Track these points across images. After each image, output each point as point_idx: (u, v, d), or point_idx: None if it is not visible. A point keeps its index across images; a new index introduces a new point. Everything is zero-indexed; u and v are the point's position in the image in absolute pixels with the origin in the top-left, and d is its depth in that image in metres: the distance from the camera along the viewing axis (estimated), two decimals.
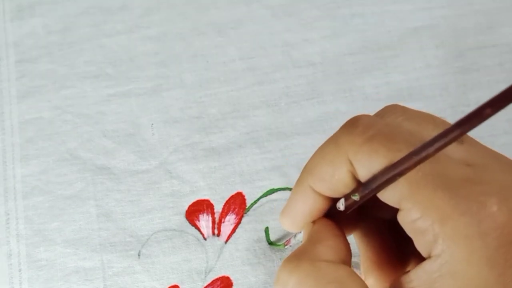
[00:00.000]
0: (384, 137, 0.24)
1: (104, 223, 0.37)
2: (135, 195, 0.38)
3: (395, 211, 0.24)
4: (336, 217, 0.27)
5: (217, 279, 0.36)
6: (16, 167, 0.39)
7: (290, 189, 0.37)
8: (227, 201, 0.37)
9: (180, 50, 0.41)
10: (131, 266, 0.36)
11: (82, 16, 0.42)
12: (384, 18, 0.41)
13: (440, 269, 0.22)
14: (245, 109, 0.39)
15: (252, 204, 0.37)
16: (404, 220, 0.23)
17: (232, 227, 0.37)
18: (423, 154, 0.21)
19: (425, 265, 0.23)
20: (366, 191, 0.24)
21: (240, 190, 0.37)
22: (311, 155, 0.37)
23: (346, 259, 0.26)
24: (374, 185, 0.24)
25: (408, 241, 0.25)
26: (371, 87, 0.39)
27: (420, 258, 0.24)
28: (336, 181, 0.25)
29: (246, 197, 0.37)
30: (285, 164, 0.38)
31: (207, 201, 0.37)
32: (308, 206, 0.27)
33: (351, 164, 0.24)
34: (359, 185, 0.25)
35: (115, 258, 0.36)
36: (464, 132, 0.20)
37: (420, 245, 0.23)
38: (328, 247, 0.26)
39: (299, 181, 0.27)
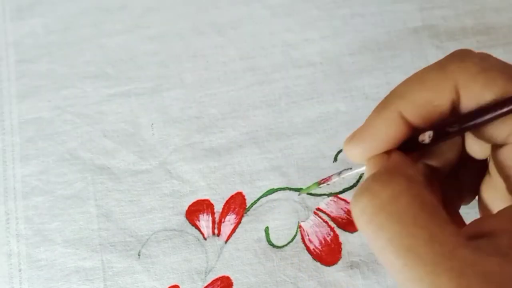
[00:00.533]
0: (501, 70, 0.23)
1: (104, 223, 0.37)
2: (135, 195, 0.38)
3: (450, 160, 0.23)
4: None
5: (217, 279, 0.36)
6: (16, 167, 0.39)
7: (290, 189, 0.37)
8: (227, 201, 0.37)
9: (180, 50, 0.41)
10: (131, 266, 0.36)
11: (82, 16, 0.42)
12: (384, 18, 0.41)
13: None
14: (245, 109, 0.39)
15: (252, 204, 0.37)
16: (506, 157, 0.22)
17: (232, 227, 0.37)
18: None
19: None
20: (472, 123, 0.23)
21: (240, 190, 0.37)
22: (311, 155, 0.38)
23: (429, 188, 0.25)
24: (486, 117, 0.22)
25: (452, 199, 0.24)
26: (371, 87, 0.39)
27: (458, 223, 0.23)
28: (433, 108, 0.24)
29: (246, 197, 0.37)
30: (285, 164, 0.38)
31: (207, 201, 0.37)
32: (391, 132, 0.25)
33: (457, 93, 0.23)
34: (459, 117, 0.23)
35: (115, 258, 0.36)
36: None
37: None
38: (417, 172, 0.24)
39: (384, 104, 0.25)
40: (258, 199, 0.37)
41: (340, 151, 0.38)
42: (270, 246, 0.36)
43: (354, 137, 0.26)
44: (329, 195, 0.37)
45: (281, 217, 0.36)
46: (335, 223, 0.36)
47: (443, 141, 0.24)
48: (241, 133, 0.39)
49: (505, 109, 0.21)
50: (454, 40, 0.40)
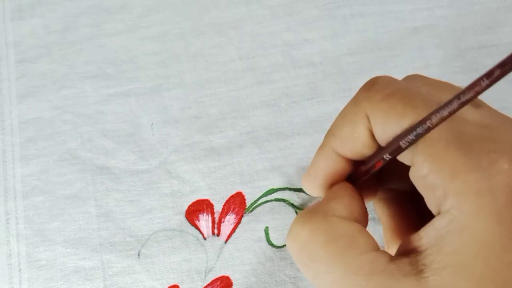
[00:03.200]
0: (402, 95, 0.24)
1: (104, 223, 0.37)
2: (135, 195, 0.38)
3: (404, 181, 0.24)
4: (359, 184, 0.27)
5: (217, 279, 0.36)
6: (16, 167, 0.39)
7: (290, 189, 0.37)
8: (227, 201, 0.37)
9: (180, 50, 0.41)
10: (131, 266, 0.36)
11: (82, 16, 0.42)
12: (384, 18, 0.41)
13: (448, 225, 0.22)
14: (245, 109, 0.39)
15: (252, 204, 0.37)
16: (416, 175, 0.23)
17: (232, 227, 0.37)
18: (447, 110, 0.21)
19: (434, 221, 0.23)
20: (389, 151, 0.24)
21: (240, 190, 0.37)
22: (311, 155, 0.38)
23: (360, 218, 0.26)
24: (397, 144, 0.23)
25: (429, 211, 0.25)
26: None
27: None
28: (355, 139, 0.25)
29: (246, 197, 0.37)
30: (285, 164, 0.38)
31: (207, 201, 0.37)
32: (329, 168, 0.27)
33: (369, 121, 0.25)
34: (385, 147, 0.24)
35: (115, 258, 0.36)
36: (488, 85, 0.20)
37: (431, 202, 0.23)
38: (341, 204, 0.26)
39: (322, 144, 0.27)
40: (258, 199, 0.37)
41: None
42: (270, 246, 0.36)
43: (304, 175, 0.29)
44: None
45: (281, 217, 0.36)
46: None
47: (377, 169, 0.26)
48: (241, 133, 0.39)
49: (414, 134, 0.22)
50: (454, 40, 0.40)
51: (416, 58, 0.40)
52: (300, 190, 0.37)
